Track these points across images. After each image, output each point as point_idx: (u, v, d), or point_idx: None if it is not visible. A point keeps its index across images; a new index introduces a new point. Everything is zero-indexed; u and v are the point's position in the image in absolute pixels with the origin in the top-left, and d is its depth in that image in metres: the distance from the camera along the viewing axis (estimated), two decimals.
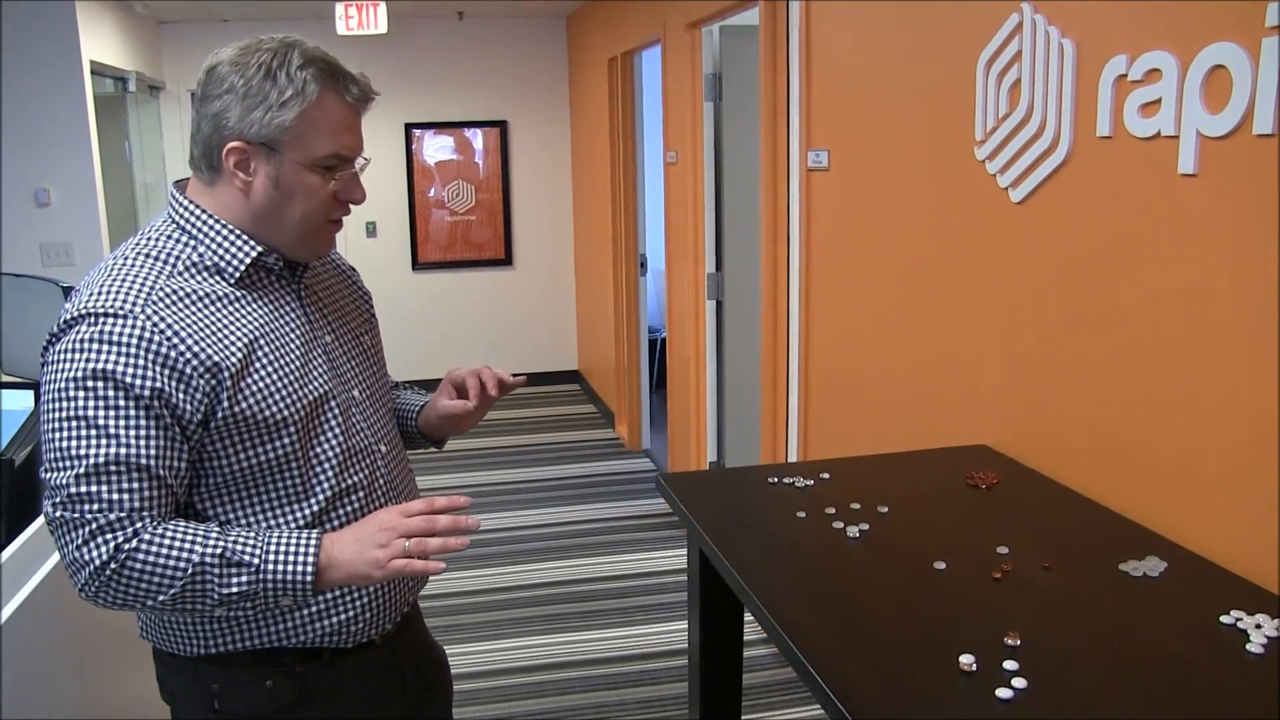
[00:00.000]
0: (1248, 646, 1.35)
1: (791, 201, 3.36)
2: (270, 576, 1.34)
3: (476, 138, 7.09)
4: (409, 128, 6.97)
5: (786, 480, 2.02)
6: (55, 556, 1.92)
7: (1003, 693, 1.24)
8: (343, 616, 1.50)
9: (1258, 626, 1.39)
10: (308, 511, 1.46)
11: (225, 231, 1.44)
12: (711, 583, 1.99)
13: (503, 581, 4.27)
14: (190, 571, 1.32)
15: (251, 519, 1.45)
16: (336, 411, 1.50)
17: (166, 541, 1.32)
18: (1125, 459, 1.83)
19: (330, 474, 1.48)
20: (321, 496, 1.47)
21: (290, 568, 1.35)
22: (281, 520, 1.45)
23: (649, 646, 3.71)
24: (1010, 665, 1.30)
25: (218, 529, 1.36)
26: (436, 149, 7.09)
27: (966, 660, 1.30)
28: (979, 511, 1.85)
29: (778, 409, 3.69)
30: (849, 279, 2.92)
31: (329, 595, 1.49)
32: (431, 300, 7.25)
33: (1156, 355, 1.74)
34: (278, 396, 1.42)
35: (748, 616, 2.17)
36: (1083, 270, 1.91)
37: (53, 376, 1.35)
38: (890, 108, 2.58)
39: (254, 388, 1.40)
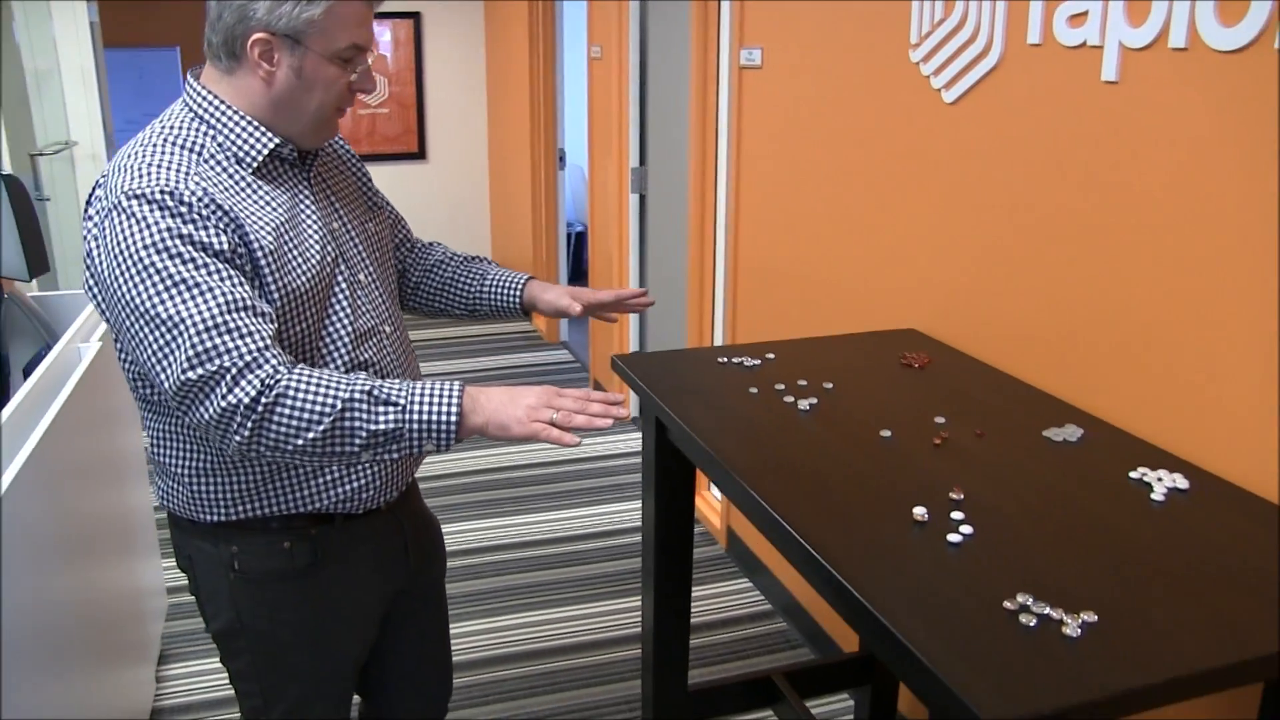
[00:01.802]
0: (1152, 496, 1.56)
1: (721, 98, 3.47)
2: (416, 416, 1.39)
3: (388, 29, 7.01)
4: None
5: (735, 360, 2.19)
6: (31, 444, 1.95)
7: (953, 537, 1.43)
8: (354, 484, 1.63)
9: (1159, 480, 1.61)
10: None
11: (243, 122, 1.51)
12: (667, 459, 2.15)
13: (450, 468, 4.43)
14: (340, 407, 1.37)
15: None
16: (346, 293, 1.60)
17: (315, 380, 1.38)
18: (1044, 340, 2.03)
19: (343, 352, 1.59)
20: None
21: (436, 407, 1.40)
22: None
23: (589, 528, 3.93)
24: (957, 515, 1.49)
25: (363, 374, 1.44)
26: None
27: (919, 512, 1.49)
28: (915, 387, 2.04)
29: (704, 298, 3.85)
30: (780, 174, 3.07)
31: (341, 465, 1.62)
32: None
33: (1073, 245, 1.94)
34: (301, 280, 1.51)
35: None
36: (1010, 167, 2.09)
37: (125, 259, 1.38)
38: (826, 11, 2.71)
39: (281, 270, 1.48)
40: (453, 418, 1.41)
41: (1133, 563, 1.37)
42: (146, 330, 1.38)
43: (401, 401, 1.40)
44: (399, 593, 1.84)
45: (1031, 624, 1.22)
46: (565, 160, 5.94)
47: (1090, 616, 1.23)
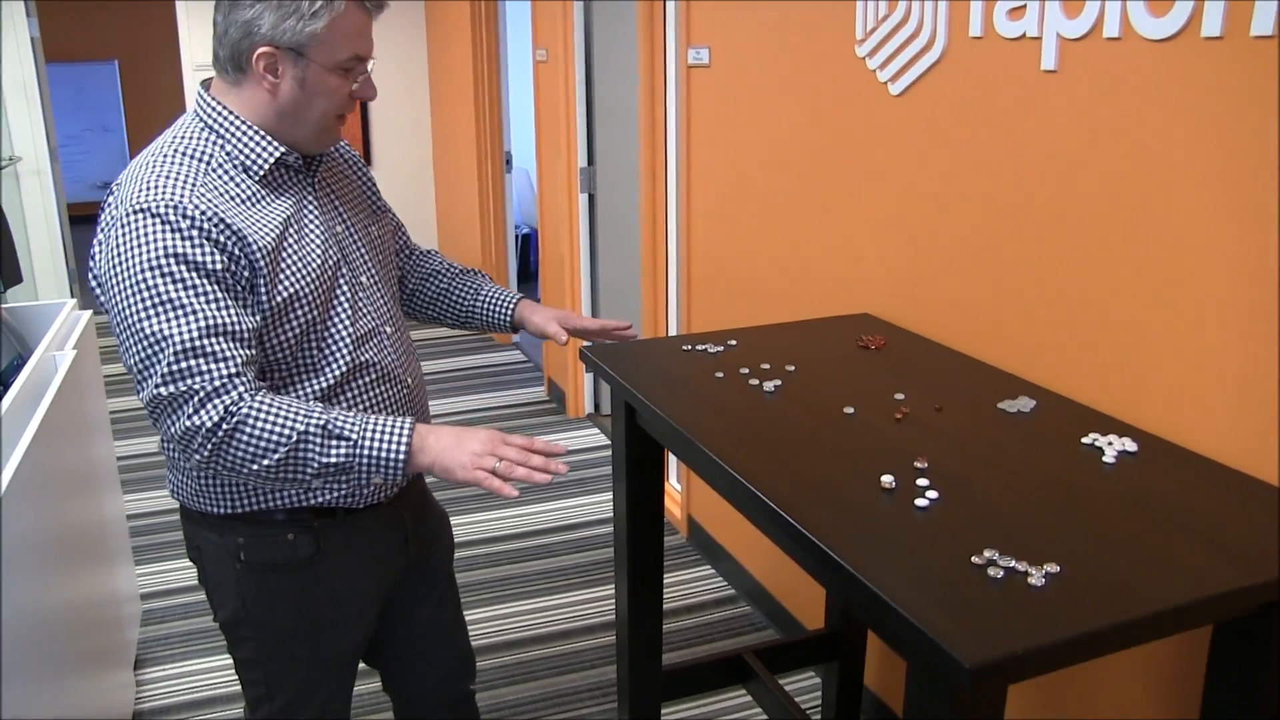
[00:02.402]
0: (1104, 459, 1.66)
1: (670, 97, 3.55)
2: (366, 451, 1.48)
3: None
4: None
5: (699, 347, 2.26)
6: (20, 452, 1.98)
7: (920, 502, 1.52)
8: None
9: (1110, 444, 1.71)
10: (323, 385, 1.63)
11: (251, 132, 1.57)
12: (637, 445, 2.22)
13: None
14: (294, 439, 1.45)
15: (273, 387, 1.60)
16: (347, 295, 1.66)
17: (274, 410, 1.45)
18: (994, 319, 2.13)
19: (345, 352, 1.64)
20: (338, 371, 1.64)
21: (385, 445, 1.48)
22: (300, 390, 1.61)
23: (553, 522, 3.99)
24: (922, 482, 1.58)
25: (320, 406, 1.50)
26: None
27: (887, 480, 1.58)
28: (873, 367, 2.13)
29: (658, 293, 3.93)
30: (731, 169, 3.15)
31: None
32: None
33: (1017, 227, 2.04)
34: (302, 282, 1.57)
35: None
36: (955, 155, 2.18)
37: (122, 271, 1.45)
38: (772, 10, 2.80)
39: (283, 274, 1.54)
40: (401, 456, 1.50)
41: (1090, 518, 1.46)
42: (132, 342, 1.47)
43: (353, 437, 1.48)
44: (400, 581, 1.90)
45: (999, 576, 1.31)
46: (512, 163, 5.99)
47: (1053, 567, 1.32)
